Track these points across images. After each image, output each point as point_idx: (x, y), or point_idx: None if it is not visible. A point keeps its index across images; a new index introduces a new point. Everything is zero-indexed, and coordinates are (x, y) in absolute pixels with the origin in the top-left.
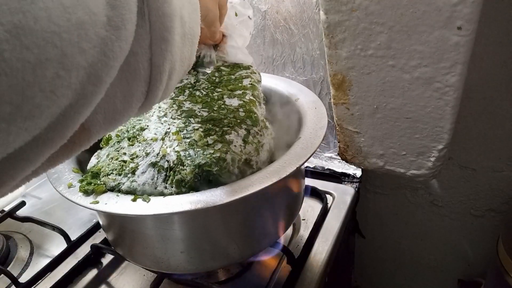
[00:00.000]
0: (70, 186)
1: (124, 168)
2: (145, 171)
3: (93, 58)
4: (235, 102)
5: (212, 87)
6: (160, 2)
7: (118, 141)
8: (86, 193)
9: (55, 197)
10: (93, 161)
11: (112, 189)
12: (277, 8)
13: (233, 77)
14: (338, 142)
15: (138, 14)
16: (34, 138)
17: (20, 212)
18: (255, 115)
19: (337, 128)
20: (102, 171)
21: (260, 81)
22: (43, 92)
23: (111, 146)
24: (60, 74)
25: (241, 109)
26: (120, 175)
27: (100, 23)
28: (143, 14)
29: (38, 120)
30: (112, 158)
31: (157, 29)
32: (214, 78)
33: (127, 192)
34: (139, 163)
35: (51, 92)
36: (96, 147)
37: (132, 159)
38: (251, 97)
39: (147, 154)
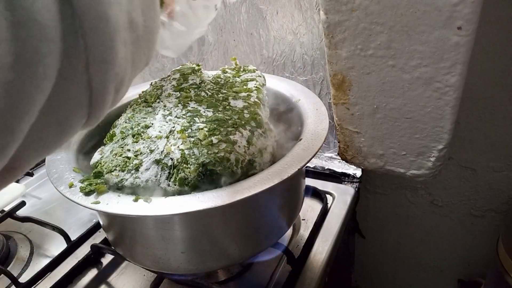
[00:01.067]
0: (71, 186)
1: (127, 164)
2: (149, 168)
3: None
4: (239, 103)
5: (217, 88)
6: (95, 19)
7: (122, 138)
8: (87, 193)
9: (55, 197)
10: (96, 156)
11: (115, 186)
12: (277, 8)
13: (238, 79)
14: (338, 142)
15: (66, 32)
16: None
17: (20, 212)
18: (260, 117)
19: (337, 128)
20: (105, 168)
21: (265, 85)
22: None
23: (115, 143)
24: None
25: (245, 111)
26: (123, 171)
27: (6, 66)
28: (75, 31)
29: None
30: (115, 154)
31: (93, 48)
32: (219, 79)
33: (129, 189)
34: (143, 160)
35: None
36: (99, 144)
37: (136, 155)
38: (256, 99)
39: (151, 151)
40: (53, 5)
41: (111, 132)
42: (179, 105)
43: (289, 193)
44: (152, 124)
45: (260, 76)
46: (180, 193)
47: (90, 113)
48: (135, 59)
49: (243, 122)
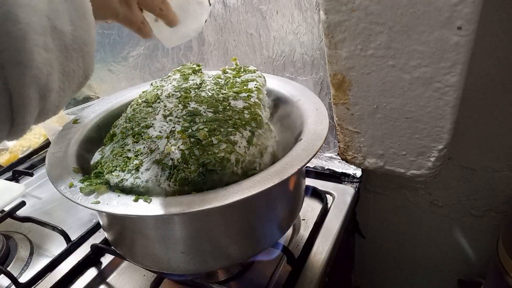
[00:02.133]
0: (71, 186)
1: (128, 164)
2: (149, 168)
3: None
4: (240, 104)
5: (218, 89)
6: (2, 19)
7: (122, 138)
8: (87, 193)
9: (55, 197)
10: (96, 156)
11: (115, 186)
12: (277, 8)
13: (238, 80)
14: (338, 142)
15: None
16: None
17: (20, 212)
18: (260, 117)
19: (337, 128)
20: (106, 168)
21: (265, 85)
22: None
23: (116, 142)
24: None
25: (246, 111)
26: (123, 171)
27: None
28: None
29: None
30: (116, 154)
31: (5, 50)
32: (219, 80)
33: (130, 189)
34: (143, 160)
35: None
36: (100, 144)
37: (136, 155)
38: (256, 100)
39: (151, 152)
40: None
41: (111, 132)
42: (180, 105)
43: (289, 193)
44: (153, 124)
45: (261, 77)
46: (180, 193)
47: (13, 118)
48: (66, 68)
49: (243, 123)
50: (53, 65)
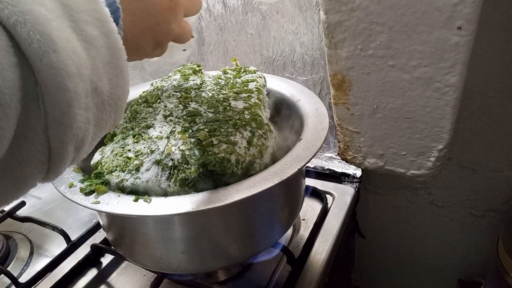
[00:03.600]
0: (71, 185)
1: (128, 164)
2: (149, 169)
3: None
4: (240, 104)
5: (218, 89)
6: (54, 88)
7: (123, 138)
8: (87, 193)
9: (55, 197)
10: (96, 157)
11: (115, 186)
12: (277, 8)
13: (239, 80)
14: (338, 142)
15: (26, 98)
16: None
17: (20, 212)
18: (260, 118)
19: (337, 128)
20: (106, 168)
21: (265, 86)
22: None
23: (116, 143)
24: None
25: (246, 112)
26: (124, 171)
27: None
28: (36, 98)
29: None
30: (116, 154)
31: (51, 113)
32: (220, 80)
33: (130, 189)
34: (144, 160)
35: None
36: (100, 144)
37: (136, 156)
38: (256, 100)
39: (152, 152)
40: (13, 75)
41: (111, 132)
42: (180, 105)
43: (289, 193)
44: (153, 124)
45: (261, 77)
46: (180, 193)
47: (49, 168)
48: (100, 121)
49: (243, 123)
50: (90, 121)
